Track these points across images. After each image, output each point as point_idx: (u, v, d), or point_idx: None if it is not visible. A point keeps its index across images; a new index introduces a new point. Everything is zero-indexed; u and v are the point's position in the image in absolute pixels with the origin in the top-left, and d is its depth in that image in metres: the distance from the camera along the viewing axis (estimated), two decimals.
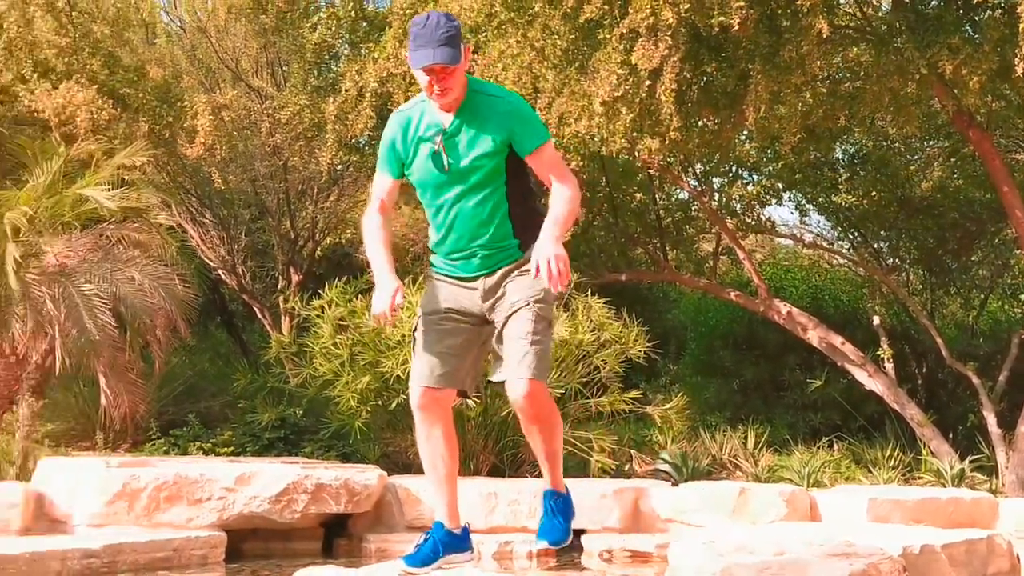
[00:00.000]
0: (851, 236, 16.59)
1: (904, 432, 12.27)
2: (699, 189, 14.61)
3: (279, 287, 14.90)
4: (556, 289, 4.24)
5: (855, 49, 11.33)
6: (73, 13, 12.68)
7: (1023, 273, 16.90)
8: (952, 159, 14.65)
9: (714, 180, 15.47)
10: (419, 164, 4.52)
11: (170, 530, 7.10)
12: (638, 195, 15.05)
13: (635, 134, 10.00)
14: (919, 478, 10.89)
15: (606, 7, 9.33)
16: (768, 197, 15.14)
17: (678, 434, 11.22)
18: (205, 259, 14.60)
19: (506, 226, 4.52)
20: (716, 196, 15.21)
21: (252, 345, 15.52)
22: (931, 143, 15.03)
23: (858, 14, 11.34)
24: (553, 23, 9.84)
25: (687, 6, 8.87)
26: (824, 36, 9.04)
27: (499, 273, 4.53)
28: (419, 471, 4.91)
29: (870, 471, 10.90)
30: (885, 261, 16.25)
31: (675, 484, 8.86)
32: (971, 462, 10.89)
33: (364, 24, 13.32)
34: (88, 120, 11.64)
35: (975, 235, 15.21)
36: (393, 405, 9.50)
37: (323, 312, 10.21)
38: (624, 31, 9.22)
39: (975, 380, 12.27)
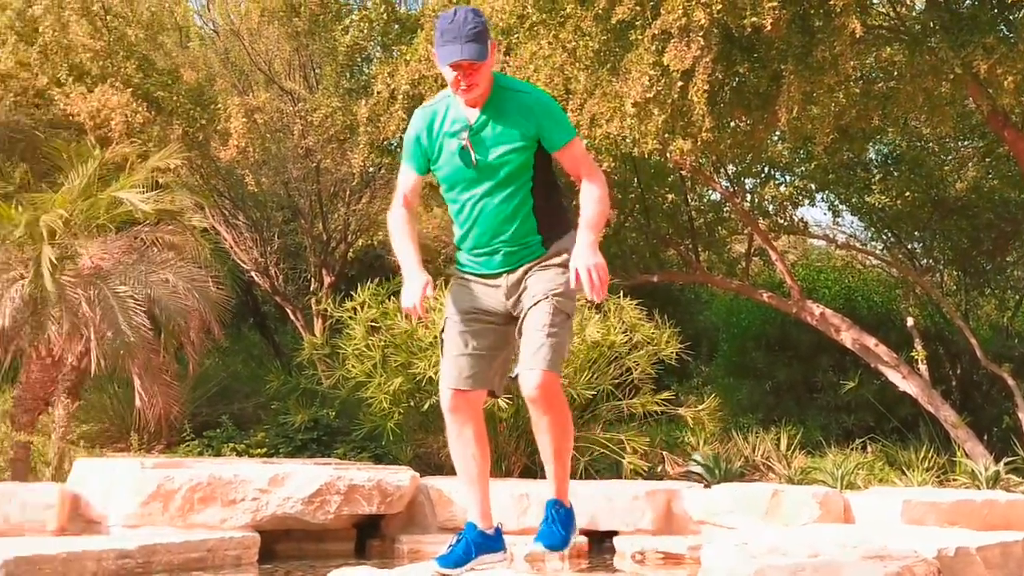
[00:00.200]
0: (884, 237, 16.50)
1: (938, 434, 12.18)
2: (731, 190, 14.56)
3: (311, 289, 14.96)
4: (597, 298, 4.25)
5: (888, 49, 11.27)
6: (108, 17, 12.79)
7: None
8: (987, 159, 14.55)
9: (746, 181, 15.43)
10: (446, 160, 4.52)
11: (204, 531, 7.13)
12: (670, 196, 15.02)
13: (667, 135, 9.98)
14: (954, 480, 10.81)
15: (638, 8, 9.32)
16: (801, 198, 15.05)
17: (710, 436, 11.19)
18: (238, 261, 14.68)
19: (530, 222, 4.52)
20: (748, 197, 15.17)
21: (285, 347, 15.59)
22: (965, 143, 14.92)
23: (891, 14, 11.28)
24: (585, 24, 9.84)
25: (719, 7, 8.84)
26: (857, 36, 8.98)
27: (521, 270, 4.53)
28: (451, 472, 4.91)
29: (904, 473, 10.83)
30: (919, 262, 16.14)
31: (707, 486, 8.83)
32: (1006, 464, 10.79)
33: (396, 26, 13.37)
34: (123, 123, 11.74)
35: (1010, 236, 15.10)
36: (425, 406, 9.51)
37: (355, 314, 10.25)
38: (656, 32, 9.21)
39: (1010, 381, 12.17)
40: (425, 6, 11.65)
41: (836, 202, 15.77)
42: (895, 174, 14.63)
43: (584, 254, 4.26)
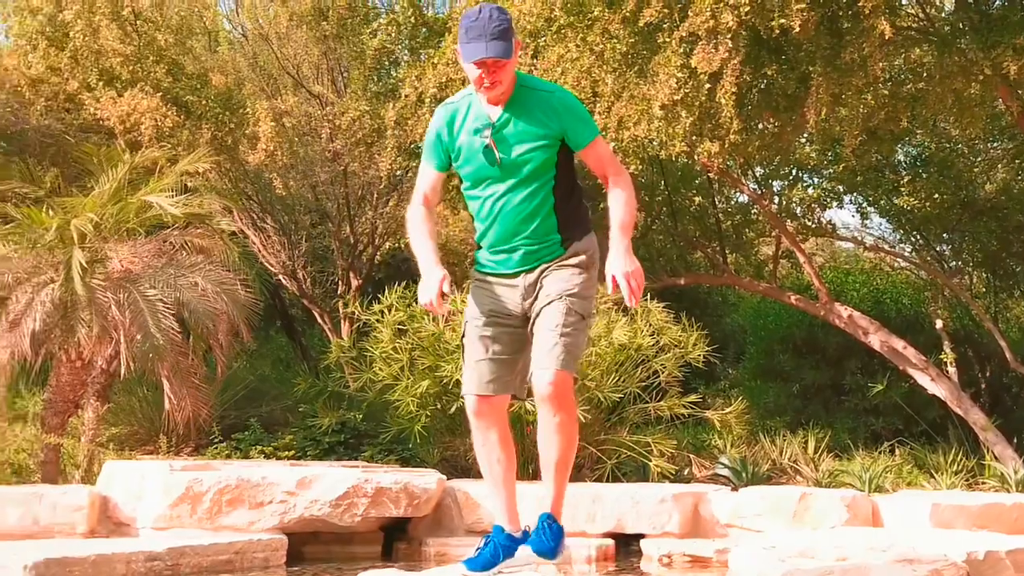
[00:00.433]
0: (913, 239, 16.42)
1: (967, 437, 12.11)
2: (759, 192, 14.52)
3: (339, 292, 15.01)
4: (634, 304, 4.25)
5: (918, 50, 11.22)
6: (138, 22, 12.88)
7: None
8: (1017, 160, 14.46)
9: (774, 183, 15.38)
10: (469, 157, 4.52)
11: (232, 533, 7.16)
12: (697, 199, 15.01)
13: (695, 137, 9.96)
14: (983, 483, 10.75)
15: (666, 11, 9.31)
16: (829, 200, 15.01)
17: (737, 439, 11.17)
18: (266, 264, 14.74)
19: (550, 221, 4.52)
20: (776, 199, 15.12)
21: (312, 350, 15.64)
22: (995, 144, 14.83)
23: (920, 15, 11.23)
24: (612, 27, 9.83)
25: (747, 9, 8.82)
26: (886, 37, 8.95)
27: (538, 270, 4.53)
28: (478, 475, 4.92)
29: (932, 476, 10.77)
30: (948, 264, 16.06)
31: (735, 489, 8.81)
32: None
33: (424, 30, 13.38)
34: (152, 127, 11.82)
35: None
36: (452, 409, 9.52)
37: (382, 317, 10.27)
38: (684, 35, 9.20)
39: None
40: (452, 9, 11.66)
41: (864, 204, 15.71)
42: (924, 176, 14.55)
43: (621, 260, 4.26)
